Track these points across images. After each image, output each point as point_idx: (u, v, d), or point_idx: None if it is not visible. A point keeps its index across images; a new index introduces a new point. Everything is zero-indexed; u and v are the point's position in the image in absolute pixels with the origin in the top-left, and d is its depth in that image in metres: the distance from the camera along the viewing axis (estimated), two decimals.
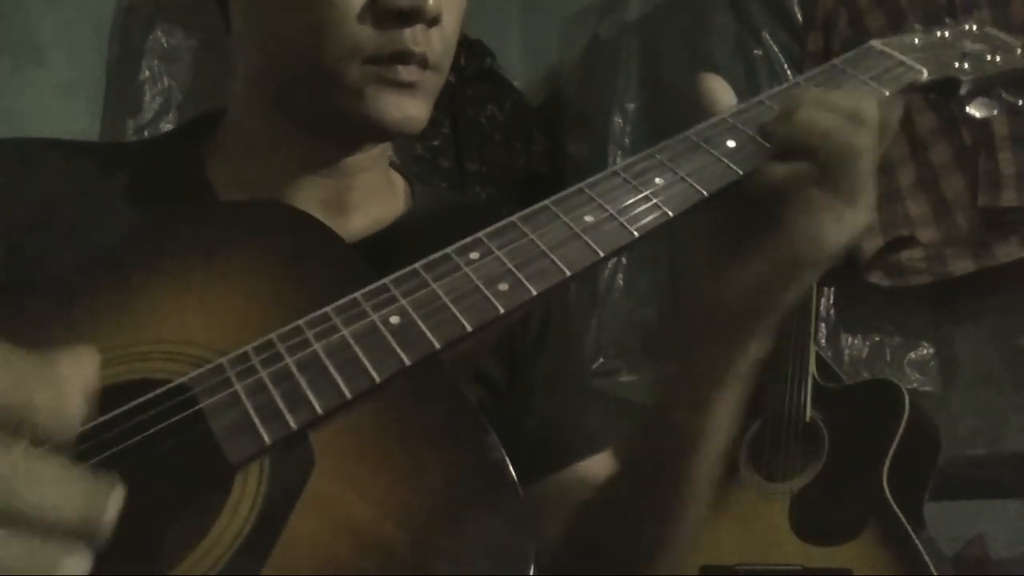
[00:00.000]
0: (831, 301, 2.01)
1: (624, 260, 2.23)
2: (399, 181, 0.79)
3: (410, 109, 0.66)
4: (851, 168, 0.55)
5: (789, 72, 2.09)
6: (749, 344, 0.59)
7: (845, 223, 0.56)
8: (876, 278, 1.90)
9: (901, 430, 1.54)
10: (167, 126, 1.85)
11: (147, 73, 1.86)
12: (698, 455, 0.62)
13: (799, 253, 0.56)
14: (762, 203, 0.57)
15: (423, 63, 0.65)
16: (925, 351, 1.93)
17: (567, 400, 0.77)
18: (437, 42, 0.66)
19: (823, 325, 1.98)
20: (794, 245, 0.56)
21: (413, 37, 0.64)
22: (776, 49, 2.13)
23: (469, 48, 2.27)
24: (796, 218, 0.56)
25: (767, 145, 0.60)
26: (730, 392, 0.60)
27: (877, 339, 1.98)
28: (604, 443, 0.76)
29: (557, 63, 2.53)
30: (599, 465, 0.74)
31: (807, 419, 1.62)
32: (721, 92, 0.62)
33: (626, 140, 2.28)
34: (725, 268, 0.58)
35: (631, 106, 2.30)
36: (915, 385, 1.89)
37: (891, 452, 1.53)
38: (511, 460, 0.58)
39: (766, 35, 2.14)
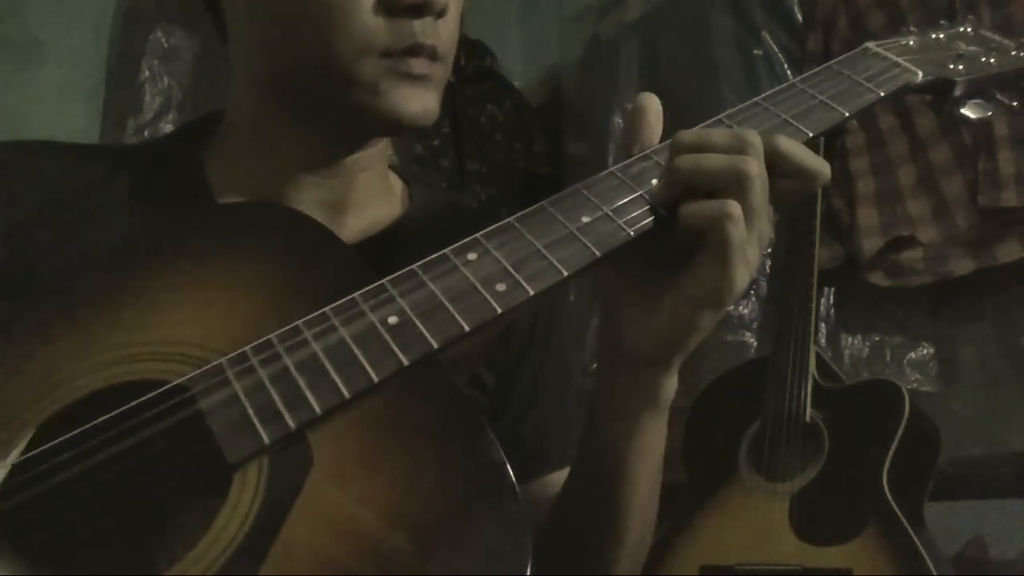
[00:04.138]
0: (831, 301, 2.01)
1: None
2: (397, 182, 0.79)
3: (426, 101, 0.66)
4: (747, 197, 0.54)
5: (789, 72, 2.09)
6: (665, 381, 0.60)
7: (750, 260, 0.55)
8: (876, 278, 1.90)
9: (901, 430, 1.54)
10: (167, 126, 1.85)
11: (147, 73, 1.86)
12: (627, 484, 0.63)
13: (712, 295, 0.55)
14: (672, 247, 0.57)
15: (433, 55, 0.66)
16: (925, 351, 1.93)
17: (545, 412, 0.77)
18: (444, 34, 0.67)
19: (823, 325, 1.98)
20: (706, 286, 0.55)
21: (423, 29, 0.64)
22: (776, 49, 2.13)
23: (469, 48, 2.27)
24: (707, 260, 0.55)
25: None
26: (652, 425, 0.61)
27: (877, 339, 1.98)
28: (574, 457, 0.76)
29: (557, 63, 2.53)
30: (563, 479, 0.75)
31: (807, 419, 1.61)
32: (655, 118, 0.62)
33: None
34: (638, 312, 0.58)
35: (631, 106, 2.29)
36: (915, 385, 1.89)
37: (891, 452, 1.53)
38: None
39: (766, 35, 2.14)
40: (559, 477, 0.73)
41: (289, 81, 0.68)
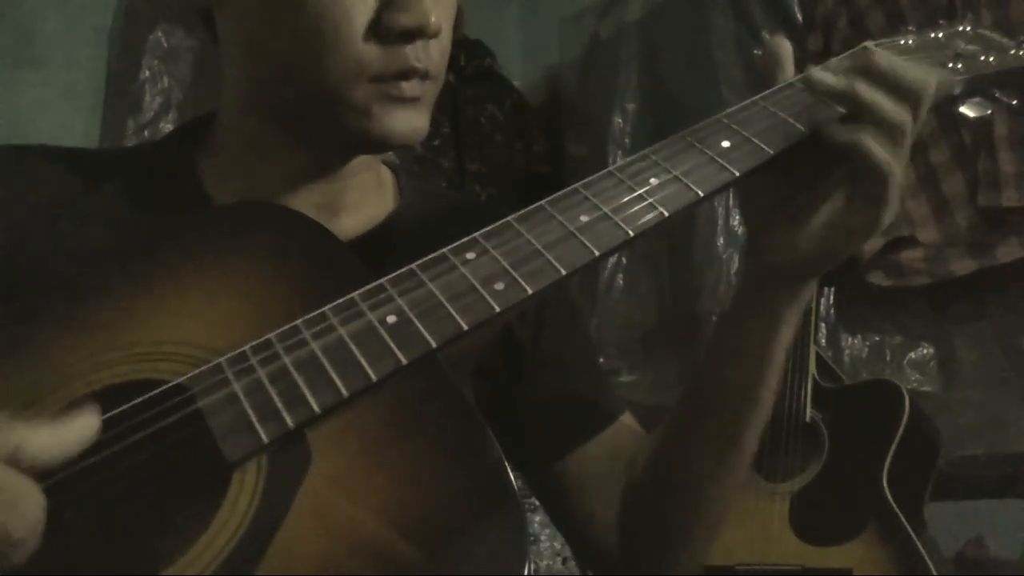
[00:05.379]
0: (831, 301, 2.01)
1: (624, 260, 2.23)
2: (387, 175, 0.79)
3: (416, 122, 0.67)
4: (902, 151, 0.60)
5: None
6: (808, 288, 0.68)
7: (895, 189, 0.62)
8: (876, 278, 1.90)
9: (901, 430, 1.54)
10: (167, 126, 1.85)
11: (147, 73, 1.86)
12: (767, 365, 0.69)
13: (866, 227, 0.62)
14: (832, 159, 0.61)
15: (425, 76, 0.66)
16: (925, 351, 1.93)
17: (579, 373, 0.80)
18: (436, 53, 0.66)
19: (823, 325, 1.98)
20: (862, 220, 0.62)
21: (415, 53, 0.64)
22: None
23: (469, 48, 2.27)
24: (867, 196, 0.61)
25: (766, 149, 0.61)
26: (791, 322, 0.69)
27: (877, 339, 1.98)
28: (622, 407, 0.80)
29: (557, 63, 2.53)
30: (627, 424, 0.79)
31: (807, 419, 1.62)
32: (786, 60, 0.66)
33: (626, 140, 2.28)
34: (790, 228, 0.64)
35: (631, 106, 2.30)
36: (915, 385, 1.89)
37: (891, 452, 1.53)
38: (529, 442, 0.67)
39: (766, 35, 2.14)
40: (622, 425, 0.78)
41: (278, 99, 0.68)
